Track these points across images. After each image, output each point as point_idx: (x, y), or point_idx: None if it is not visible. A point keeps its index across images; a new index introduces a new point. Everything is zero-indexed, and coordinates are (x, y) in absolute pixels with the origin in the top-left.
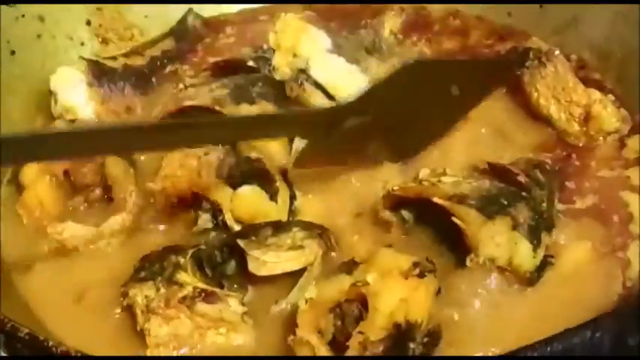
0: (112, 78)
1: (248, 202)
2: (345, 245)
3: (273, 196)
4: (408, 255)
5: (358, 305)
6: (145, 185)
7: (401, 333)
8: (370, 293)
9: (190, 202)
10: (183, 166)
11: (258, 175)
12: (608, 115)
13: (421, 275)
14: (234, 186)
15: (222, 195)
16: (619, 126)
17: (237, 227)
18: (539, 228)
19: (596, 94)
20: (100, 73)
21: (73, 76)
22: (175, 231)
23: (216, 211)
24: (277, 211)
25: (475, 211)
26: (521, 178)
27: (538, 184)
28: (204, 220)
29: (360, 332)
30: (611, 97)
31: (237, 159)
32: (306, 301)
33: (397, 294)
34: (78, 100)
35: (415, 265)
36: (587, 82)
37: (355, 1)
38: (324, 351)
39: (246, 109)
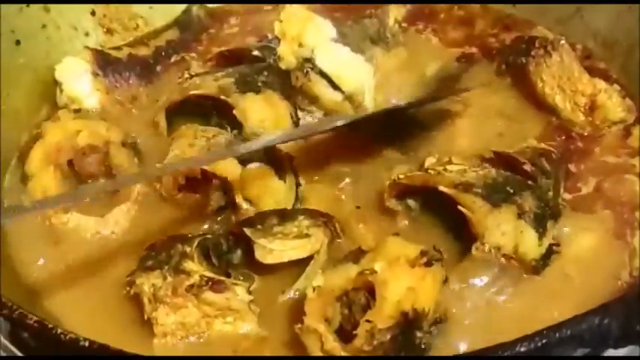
0: (117, 68)
1: (257, 178)
2: (351, 234)
3: (281, 176)
4: (415, 243)
5: (365, 293)
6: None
7: (408, 321)
8: (378, 282)
9: (199, 182)
10: (192, 146)
11: (266, 155)
12: (613, 104)
13: (428, 264)
14: (243, 164)
15: (231, 170)
16: (624, 116)
17: (245, 205)
18: (545, 217)
19: (602, 84)
20: (104, 62)
21: (78, 66)
22: (182, 219)
23: (227, 188)
24: (285, 189)
25: (481, 200)
26: (527, 167)
27: (544, 173)
28: (217, 198)
29: (368, 321)
30: (616, 86)
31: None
32: (314, 290)
33: (405, 282)
34: (83, 89)
35: (422, 253)
36: (592, 72)
37: (358, 1)
38: (331, 339)
39: (251, 98)
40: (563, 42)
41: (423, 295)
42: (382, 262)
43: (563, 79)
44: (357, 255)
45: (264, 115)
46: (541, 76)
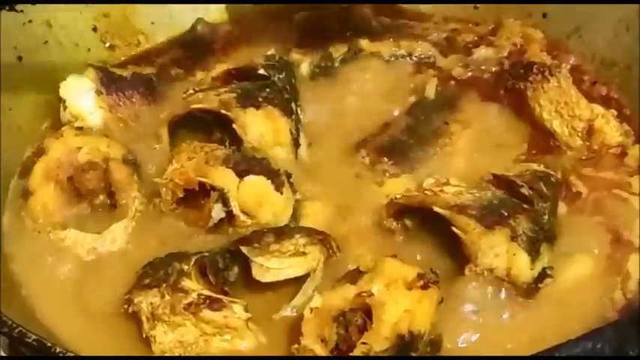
0: (121, 86)
1: (254, 189)
2: (348, 252)
3: (278, 187)
4: (412, 265)
5: (362, 314)
6: (150, 189)
7: (404, 343)
8: (375, 304)
9: (197, 193)
10: (191, 159)
11: (263, 169)
12: (611, 129)
13: (425, 287)
14: (241, 176)
15: (229, 181)
16: (622, 140)
17: (243, 217)
18: (538, 240)
19: (599, 109)
20: (108, 80)
21: (82, 83)
22: (179, 235)
23: (225, 199)
24: (283, 201)
25: (475, 221)
26: (525, 191)
27: (541, 197)
28: (217, 211)
29: (364, 343)
30: (613, 111)
31: (245, 155)
32: (311, 311)
33: (402, 305)
34: (86, 107)
35: (420, 276)
36: (592, 92)
37: (354, 1)
38: None
39: (251, 113)
40: (561, 67)
41: (419, 317)
42: (380, 284)
43: (560, 104)
44: (354, 276)
45: (264, 130)
46: (539, 101)
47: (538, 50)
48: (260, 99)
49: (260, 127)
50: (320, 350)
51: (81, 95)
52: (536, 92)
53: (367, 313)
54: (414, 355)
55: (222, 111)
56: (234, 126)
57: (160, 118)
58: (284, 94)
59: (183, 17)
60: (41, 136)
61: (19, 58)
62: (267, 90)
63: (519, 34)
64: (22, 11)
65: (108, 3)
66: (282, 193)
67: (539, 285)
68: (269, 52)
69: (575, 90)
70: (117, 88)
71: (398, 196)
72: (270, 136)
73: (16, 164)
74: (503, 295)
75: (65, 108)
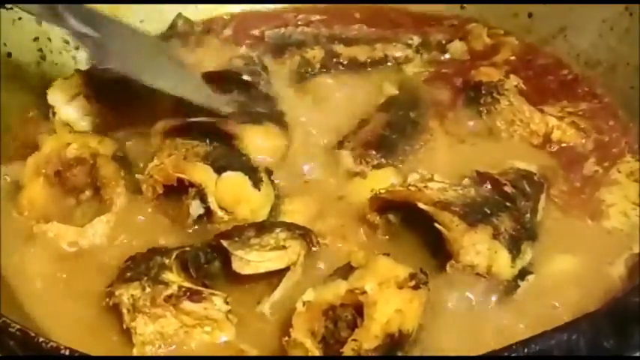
0: (108, 88)
1: (232, 186)
2: (333, 247)
3: (256, 184)
4: (404, 265)
5: (352, 310)
6: (137, 186)
7: (394, 342)
8: (367, 302)
9: (177, 189)
10: (170, 156)
11: (242, 166)
12: (569, 138)
13: (416, 287)
14: (219, 172)
15: (206, 177)
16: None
17: (221, 213)
18: (520, 238)
19: (553, 121)
20: (96, 83)
21: (69, 88)
22: (161, 231)
23: (203, 195)
24: (260, 197)
25: (458, 218)
26: (508, 189)
27: (524, 195)
28: (196, 207)
29: (354, 340)
30: (567, 120)
31: (225, 152)
32: (304, 304)
33: (393, 305)
34: (75, 112)
35: (411, 276)
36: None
37: (355, 2)
38: (317, 354)
39: (252, 130)
40: (508, 83)
41: (409, 317)
42: (372, 282)
43: (516, 122)
44: (346, 271)
45: (264, 146)
46: (495, 123)
47: (509, 53)
48: (262, 112)
49: (260, 142)
50: (310, 344)
51: (69, 100)
52: (491, 115)
53: (357, 309)
54: (400, 354)
55: (223, 128)
56: (235, 142)
57: (155, 130)
58: (274, 103)
59: (173, 15)
60: (30, 131)
61: (9, 55)
62: (262, 103)
63: (486, 37)
64: (12, 8)
65: (96, 3)
66: (260, 190)
67: (520, 282)
68: (241, 51)
69: (527, 105)
70: (105, 92)
71: (382, 191)
72: (270, 152)
73: (5, 157)
74: (483, 292)
75: (54, 114)
